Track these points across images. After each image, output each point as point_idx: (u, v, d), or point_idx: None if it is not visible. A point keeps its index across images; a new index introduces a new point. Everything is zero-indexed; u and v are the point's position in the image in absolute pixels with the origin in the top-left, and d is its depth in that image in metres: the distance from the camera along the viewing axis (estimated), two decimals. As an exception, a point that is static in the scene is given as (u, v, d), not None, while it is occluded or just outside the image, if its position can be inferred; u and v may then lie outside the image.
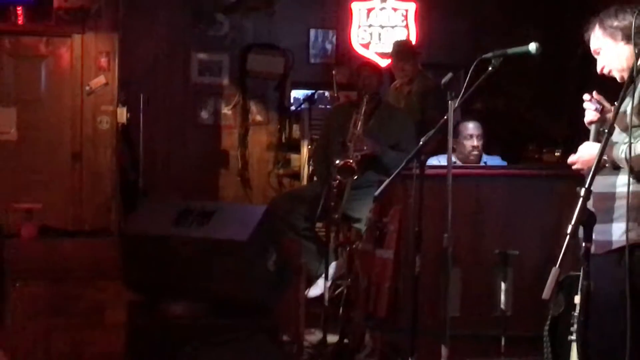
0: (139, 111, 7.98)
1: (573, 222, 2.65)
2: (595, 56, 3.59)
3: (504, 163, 6.19)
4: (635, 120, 3.26)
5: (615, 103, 3.53)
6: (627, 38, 3.45)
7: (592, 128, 3.58)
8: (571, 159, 3.58)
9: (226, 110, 8.70)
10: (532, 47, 3.85)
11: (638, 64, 3.24)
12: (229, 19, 8.61)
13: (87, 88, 7.67)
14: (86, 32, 7.68)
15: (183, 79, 8.59)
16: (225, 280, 4.52)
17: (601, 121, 3.57)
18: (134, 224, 4.98)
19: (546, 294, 2.65)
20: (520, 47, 3.90)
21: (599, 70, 3.58)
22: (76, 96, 7.70)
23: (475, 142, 5.98)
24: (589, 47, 3.60)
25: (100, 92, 7.70)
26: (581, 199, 2.66)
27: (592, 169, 2.77)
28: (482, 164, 6.01)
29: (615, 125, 3.38)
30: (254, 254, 4.58)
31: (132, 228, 4.92)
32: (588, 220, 2.75)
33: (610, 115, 3.54)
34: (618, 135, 3.40)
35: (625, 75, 3.47)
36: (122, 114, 7.72)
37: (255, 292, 4.60)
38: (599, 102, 3.58)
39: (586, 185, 2.66)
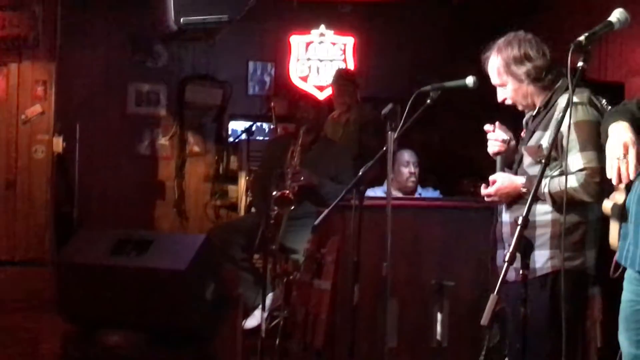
0: (75, 141, 7.92)
1: (511, 249, 2.69)
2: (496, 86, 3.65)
3: (437, 194, 6.27)
4: (552, 153, 3.33)
5: (523, 134, 3.62)
6: (534, 80, 3.52)
7: (498, 159, 3.64)
8: (487, 191, 3.60)
9: (163, 141, 8.68)
10: (470, 80, 3.91)
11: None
12: (167, 49, 8.60)
13: (23, 117, 7.60)
14: (23, 61, 7.62)
15: (120, 109, 8.55)
16: (163, 310, 4.51)
17: (507, 152, 3.63)
18: (69, 253, 4.93)
19: (484, 320, 2.68)
20: (458, 81, 3.95)
21: (499, 100, 3.65)
22: (11, 125, 7.62)
23: (412, 169, 6.13)
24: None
25: (36, 121, 7.63)
26: (519, 228, 2.71)
27: (530, 199, 2.83)
28: (417, 195, 6.09)
29: (530, 157, 3.47)
30: (192, 283, 4.57)
31: (68, 257, 4.88)
32: (525, 248, 2.81)
33: (513, 144, 3.63)
34: (531, 167, 3.48)
35: (530, 106, 3.56)
36: (58, 144, 7.66)
37: (193, 322, 4.59)
38: (503, 133, 3.65)
39: (524, 214, 2.72)
